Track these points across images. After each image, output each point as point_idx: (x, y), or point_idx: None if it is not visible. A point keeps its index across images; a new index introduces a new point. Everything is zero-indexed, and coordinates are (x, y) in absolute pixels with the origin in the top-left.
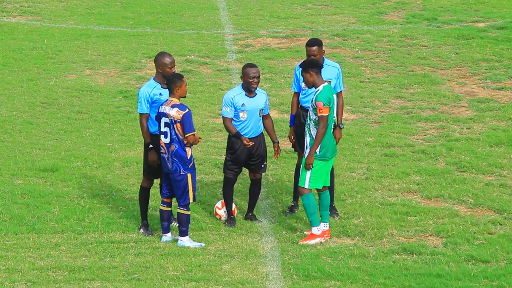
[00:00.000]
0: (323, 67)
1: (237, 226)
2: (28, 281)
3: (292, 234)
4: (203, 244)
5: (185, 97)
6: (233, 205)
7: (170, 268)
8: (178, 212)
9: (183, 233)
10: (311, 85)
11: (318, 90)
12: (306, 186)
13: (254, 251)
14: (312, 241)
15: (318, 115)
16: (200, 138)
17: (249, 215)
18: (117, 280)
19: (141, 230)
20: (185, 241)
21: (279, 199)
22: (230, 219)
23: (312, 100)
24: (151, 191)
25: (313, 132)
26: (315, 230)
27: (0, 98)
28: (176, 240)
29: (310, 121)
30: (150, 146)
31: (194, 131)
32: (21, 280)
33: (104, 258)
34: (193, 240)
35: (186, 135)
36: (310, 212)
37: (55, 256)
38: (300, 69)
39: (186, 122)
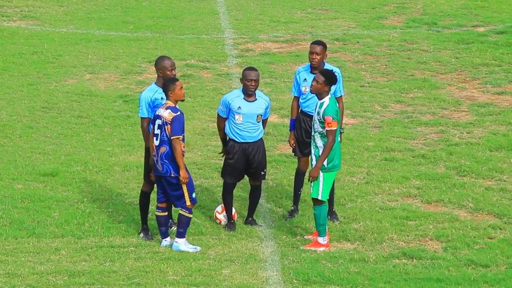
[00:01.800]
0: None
1: (237, 230)
2: (28, 286)
3: (292, 238)
4: (198, 248)
5: (183, 100)
6: (233, 210)
7: (170, 273)
8: (179, 213)
9: (180, 234)
10: (316, 93)
11: (325, 103)
12: (320, 197)
13: (254, 256)
14: (316, 249)
15: (327, 129)
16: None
17: (249, 220)
18: (117, 284)
19: (141, 235)
20: (181, 243)
21: (279, 204)
22: (230, 224)
23: (318, 113)
24: (152, 195)
25: (319, 143)
26: (321, 239)
27: (0, 102)
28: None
29: (315, 133)
30: None
31: (180, 136)
32: (21, 284)
33: (104, 262)
34: (189, 244)
35: (171, 137)
36: (320, 223)
37: (55, 260)
38: (315, 74)
39: (174, 123)
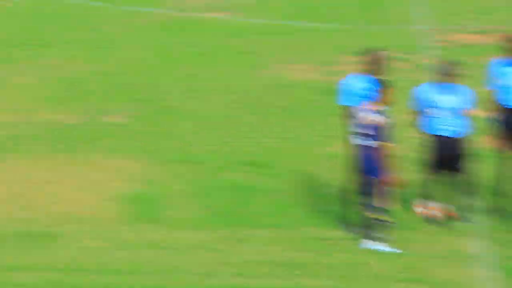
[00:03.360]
0: None
1: (446, 226)
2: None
3: (507, 235)
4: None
5: (388, 106)
6: (446, 206)
7: (375, 267)
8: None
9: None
10: None
11: None
12: None
13: (461, 252)
14: None
15: None
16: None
17: (458, 215)
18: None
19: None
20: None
21: (491, 200)
22: (437, 219)
23: None
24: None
25: None
26: None
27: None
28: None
29: None
30: None
31: (389, 143)
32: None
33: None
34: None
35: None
36: None
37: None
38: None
39: (381, 130)
